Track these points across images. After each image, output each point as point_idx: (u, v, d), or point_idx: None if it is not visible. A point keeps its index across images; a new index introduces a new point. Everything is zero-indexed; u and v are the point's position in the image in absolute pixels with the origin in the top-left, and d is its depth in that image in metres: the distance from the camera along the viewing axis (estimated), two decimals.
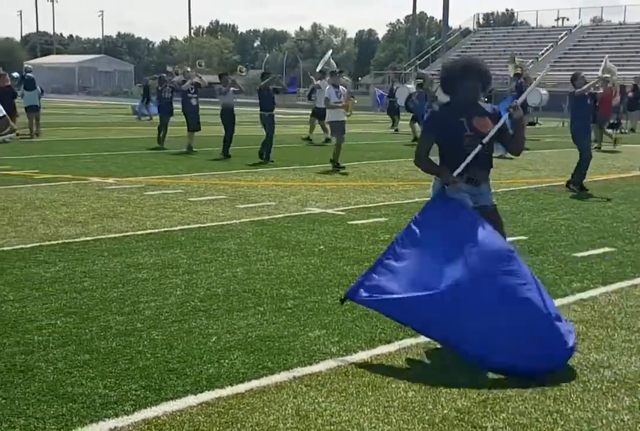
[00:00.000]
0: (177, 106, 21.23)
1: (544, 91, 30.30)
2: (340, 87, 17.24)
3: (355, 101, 30.07)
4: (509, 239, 5.73)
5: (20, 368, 4.77)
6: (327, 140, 22.97)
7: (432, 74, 18.12)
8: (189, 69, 22.13)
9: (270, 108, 18.11)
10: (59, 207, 10.69)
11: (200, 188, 13.01)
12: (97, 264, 7.47)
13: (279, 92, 21.98)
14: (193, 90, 20.26)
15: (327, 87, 17.15)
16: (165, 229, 9.31)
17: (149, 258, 7.80)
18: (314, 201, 11.78)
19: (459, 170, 5.40)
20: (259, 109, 18.43)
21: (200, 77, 21.50)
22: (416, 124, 24.22)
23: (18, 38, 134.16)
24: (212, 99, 22.76)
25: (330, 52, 28.05)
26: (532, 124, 30.36)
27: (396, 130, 29.79)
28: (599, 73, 17.52)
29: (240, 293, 6.57)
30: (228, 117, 18.96)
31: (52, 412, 4.16)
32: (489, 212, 5.60)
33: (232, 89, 19.07)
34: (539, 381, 4.68)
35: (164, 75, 23.84)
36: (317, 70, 26.33)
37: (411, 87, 27.34)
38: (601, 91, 16.42)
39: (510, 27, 75.57)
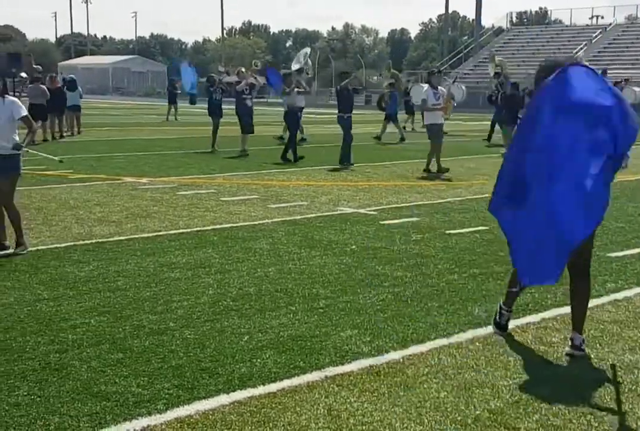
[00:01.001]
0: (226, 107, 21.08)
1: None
2: (439, 88, 16.49)
3: (455, 104, 28.82)
4: None
5: (54, 366, 4.82)
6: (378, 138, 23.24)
7: (439, 72, 17.79)
8: (243, 69, 21.06)
9: (349, 109, 17.26)
10: (92, 207, 10.78)
11: (233, 188, 13.05)
12: (130, 264, 7.53)
13: (359, 93, 21.22)
14: (248, 91, 19.56)
15: (425, 89, 16.51)
16: (198, 228, 9.36)
17: (181, 257, 7.85)
18: (346, 201, 11.77)
19: None
20: (337, 110, 17.67)
21: (255, 78, 20.88)
22: (391, 123, 24.53)
23: (53, 39, 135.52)
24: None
25: (308, 50, 26.04)
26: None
27: (412, 129, 29.84)
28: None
29: (272, 293, 6.58)
30: (292, 119, 18.31)
31: (86, 410, 4.19)
32: None
33: (296, 89, 18.47)
34: (573, 383, 4.65)
35: (214, 75, 22.99)
36: (293, 69, 23.81)
37: (425, 86, 26.89)
38: None
39: (543, 25, 75.06)
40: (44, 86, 23.45)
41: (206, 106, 21.28)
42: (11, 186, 8.00)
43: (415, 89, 30.40)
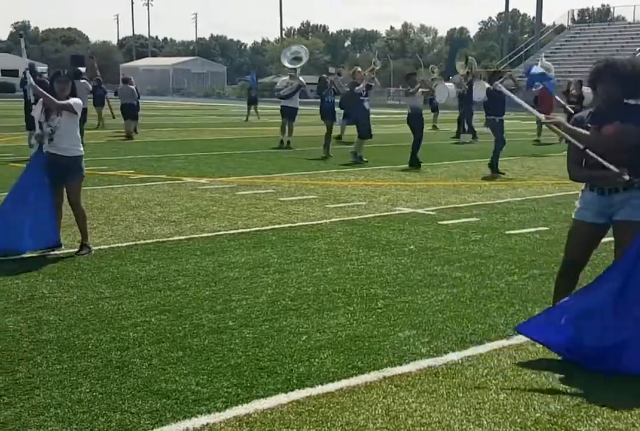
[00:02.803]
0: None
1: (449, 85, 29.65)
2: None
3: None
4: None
5: (116, 364, 4.90)
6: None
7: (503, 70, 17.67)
8: (360, 69, 19.10)
9: (501, 112, 15.63)
10: (153, 207, 10.92)
11: (291, 188, 13.10)
12: (190, 263, 7.61)
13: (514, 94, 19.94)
14: (365, 92, 18.18)
15: (451, 87, 16.46)
16: (257, 228, 9.41)
17: (240, 257, 7.90)
18: (404, 201, 11.72)
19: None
20: (485, 112, 16.07)
21: (373, 78, 20.08)
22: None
23: (115, 41, 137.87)
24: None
25: (303, 48, 24.62)
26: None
27: (434, 126, 29.78)
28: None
29: (330, 293, 6.59)
30: (417, 122, 16.95)
31: (146, 407, 4.25)
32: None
33: (421, 89, 17.07)
34: (635, 386, 4.56)
35: (325, 76, 21.91)
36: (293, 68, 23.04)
37: (450, 85, 26.34)
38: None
39: (606, 23, 73.72)
40: (133, 87, 25.07)
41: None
42: (77, 187, 8.15)
43: (439, 87, 30.37)
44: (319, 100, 20.96)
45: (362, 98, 18.05)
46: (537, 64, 18.80)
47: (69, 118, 7.94)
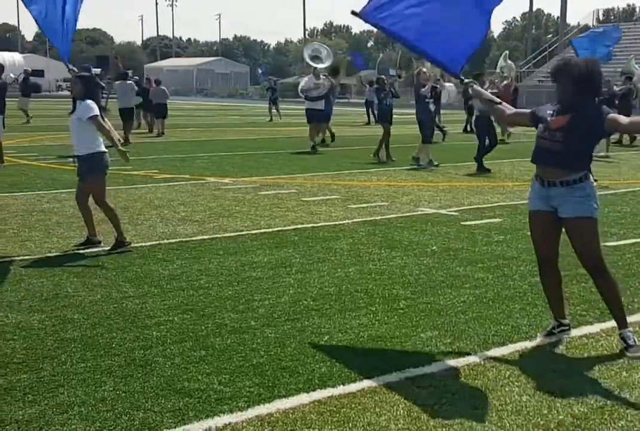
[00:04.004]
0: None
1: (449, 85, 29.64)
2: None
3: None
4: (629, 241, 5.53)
5: (139, 362, 4.93)
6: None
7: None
8: (424, 70, 18.23)
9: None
10: (176, 207, 10.98)
11: (314, 188, 13.11)
12: (212, 263, 7.64)
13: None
14: (429, 95, 17.38)
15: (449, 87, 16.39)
16: (279, 228, 9.43)
17: (263, 256, 7.92)
18: (427, 201, 11.70)
19: None
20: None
21: (439, 79, 19.74)
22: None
23: (139, 42, 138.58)
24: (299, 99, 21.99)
25: (325, 49, 24.57)
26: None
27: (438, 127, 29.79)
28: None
29: (352, 293, 6.59)
30: (483, 124, 16.32)
31: (169, 406, 4.27)
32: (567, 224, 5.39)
33: (489, 91, 16.79)
34: None
35: (383, 77, 20.89)
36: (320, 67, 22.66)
37: (450, 85, 26.17)
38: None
39: (631, 22, 73.07)
40: (164, 88, 26.15)
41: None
42: (99, 187, 8.22)
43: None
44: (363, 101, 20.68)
45: (427, 100, 17.25)
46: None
47: (79, 119, 8.16)
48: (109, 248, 8.15)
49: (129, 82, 23.35)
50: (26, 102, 29.14)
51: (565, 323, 5.55)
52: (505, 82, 22.15)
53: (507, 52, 26.94)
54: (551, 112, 5.31)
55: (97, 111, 8.10)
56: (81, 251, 8.06)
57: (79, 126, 8.13)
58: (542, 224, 5.45)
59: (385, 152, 18.02)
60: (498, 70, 22.21)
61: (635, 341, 5.19)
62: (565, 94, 5.23)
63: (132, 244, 8.31)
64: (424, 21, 5.54)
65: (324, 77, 21.49)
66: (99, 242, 8.30)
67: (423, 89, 17.02)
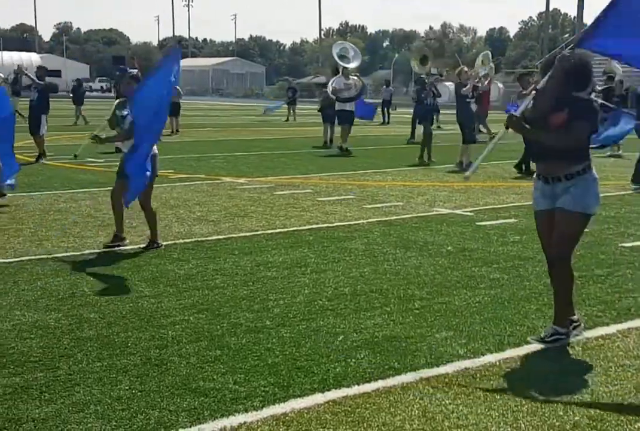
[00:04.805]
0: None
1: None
2: None
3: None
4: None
5: (155, 361, 4.94)
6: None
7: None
8: (466, 69, 17.69)
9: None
10: (192, 206, 11.00)
11: (329, 188, 13.12)
12: (228, 262, 7.65)
13: None
14: (471, 94, 16.84)
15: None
16: (294, 228, 9.44)
17: (278, 256, 7.93)
18: (442, 202, 11.68)
19: None
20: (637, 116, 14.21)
21: (481, 79, 19.37)
22: None
23: (155, 42, 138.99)
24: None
25: (355, 50, 23.83)
26: None
27: (438, 126, 29.80)
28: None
29: (367, 293, 6.59)
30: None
31: (184, 405, 4.28)
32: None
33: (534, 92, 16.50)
34: None
35: (424, 77, 20.71)
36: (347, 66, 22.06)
37: (449, 84, 26.12)
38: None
39: None
40: (178, 87, 25.53)
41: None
42: (148, 188, 8.27)
43: (440, 87, 30.48)
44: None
45: (468, 100, 16.70)
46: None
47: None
48: (128, 247, 8.22)
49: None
50: (14, 101, 29.15)
51: (575, 319, 5.51)
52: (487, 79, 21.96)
53: (487, 52, 26.85)
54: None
55: None
56: (97, 251, 8.10)
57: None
58: (549, 223, 5.42)
59: (427, 154, 17.65)
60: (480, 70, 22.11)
61: (548, 337, 5.31)
62: (559, 89, 5.28)
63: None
64: None
65: (355, 77, 21.07)
66: (124, 239, 8.37)
67: (464, 89, 16.53)
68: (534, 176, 5.55)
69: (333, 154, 19.55)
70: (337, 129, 21.16)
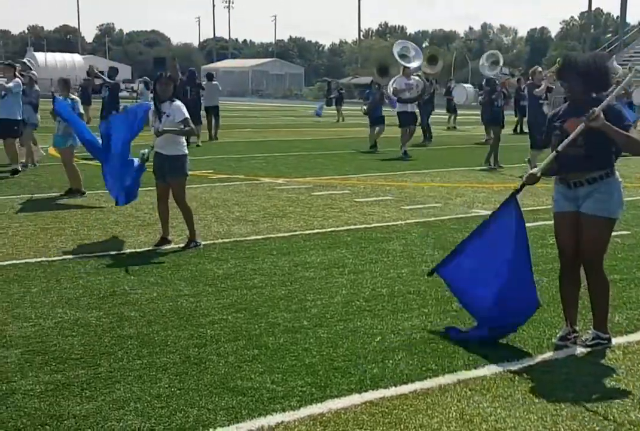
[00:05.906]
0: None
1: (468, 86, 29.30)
2: None
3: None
4: None
5: (194, 360, 4.99)
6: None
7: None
8: (540, 69, 16.95)
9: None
10: (231, 207, 11.06)
11: (367, 189, 13.11)
12: (266, 262, 7.69)
13: None
14: (545, 95, 16.08)
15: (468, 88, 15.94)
16: (332, 229, 9.45)
17: (315, 257, 7.95)
18: (481, 203, 11.61)
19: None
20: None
21: (555, 80, 17.66)
22: None
23: (196, 43, 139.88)
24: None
25: (416, 49, 23.51)
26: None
27: (454, 127, 29.57)
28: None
29: (405, 294, 6.58)
30: None
31: (222, 404, 4.31)
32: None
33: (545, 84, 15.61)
34: None
35: (493, 77, 19.79)
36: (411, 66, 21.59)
37: (468, 86, 25.87)
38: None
39: None
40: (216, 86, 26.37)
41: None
42: (178, 186, 8.35)
43: (457, 88, 30.27)
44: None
45: (541, 101, 15.87)
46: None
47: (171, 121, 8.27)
48: (168, 246, 8.33)
49: (214, 82, 24.51)
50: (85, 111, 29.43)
51: (577, 330, 5.44)
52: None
53: (494, 51, 26.74)
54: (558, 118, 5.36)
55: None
56: (138, 250, 8.18)
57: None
58: (569, 225, 5.36)
59: (493, 158, 16.93)
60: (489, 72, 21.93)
61: (590, 342, 5.29)
62: (575, 92, 5.23)
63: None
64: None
65: (417, 77, 20.37)
66: (170, 242, 8.48)
67: (537, 90, 15.74)
68: (556, 179, 5.45)
69: (371, 154, 19.52)
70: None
